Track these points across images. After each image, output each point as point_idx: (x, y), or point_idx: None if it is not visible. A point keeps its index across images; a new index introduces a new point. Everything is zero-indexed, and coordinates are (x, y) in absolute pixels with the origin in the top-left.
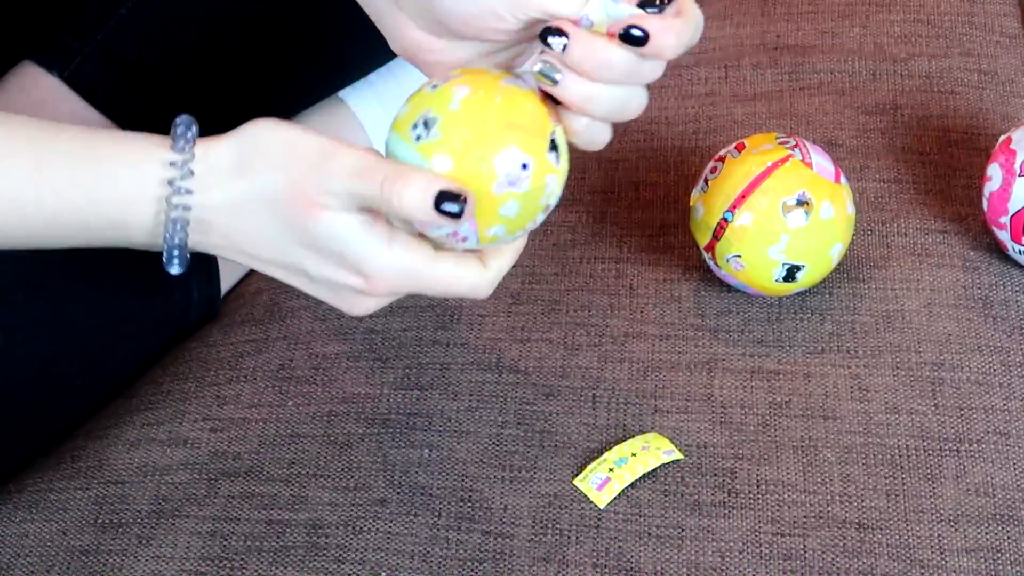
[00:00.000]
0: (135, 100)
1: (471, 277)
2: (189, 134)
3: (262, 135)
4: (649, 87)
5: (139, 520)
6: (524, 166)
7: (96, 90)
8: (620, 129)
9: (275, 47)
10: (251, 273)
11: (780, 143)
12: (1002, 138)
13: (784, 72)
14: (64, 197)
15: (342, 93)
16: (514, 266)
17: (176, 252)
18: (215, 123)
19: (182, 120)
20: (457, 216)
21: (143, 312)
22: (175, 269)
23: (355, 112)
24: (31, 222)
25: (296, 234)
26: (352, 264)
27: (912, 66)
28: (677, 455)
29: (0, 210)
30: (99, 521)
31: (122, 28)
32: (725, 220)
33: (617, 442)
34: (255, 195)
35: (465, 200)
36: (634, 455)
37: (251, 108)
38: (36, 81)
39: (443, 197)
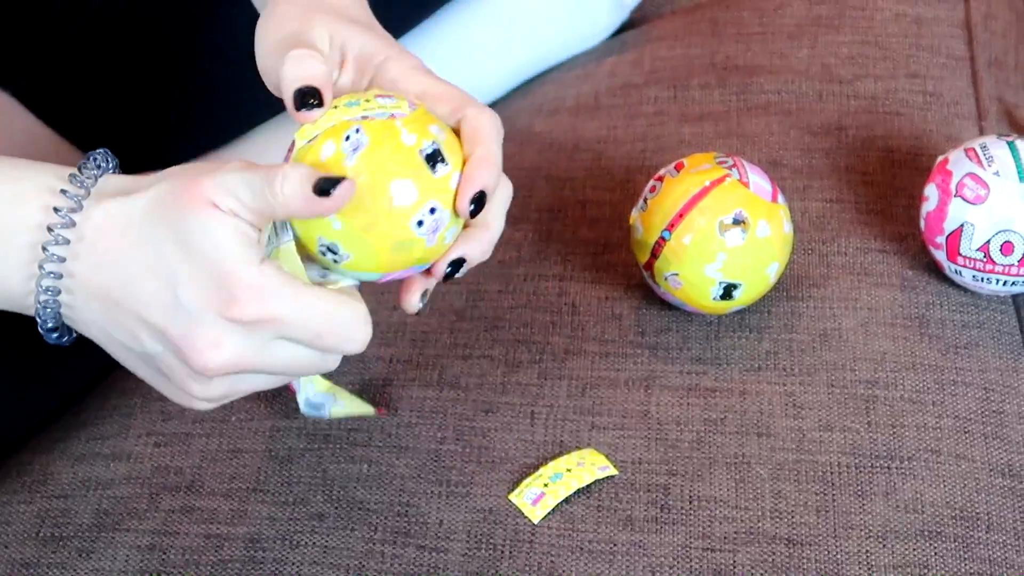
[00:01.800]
0: (86, 118)
1: (347, 308)
2: (95, 171)
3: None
4: (598, 107)
5: (80, 534)
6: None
7: (47, 108)
8: (569, 147)
9: (229, 63)
10: None
11: (718, 163)
12: (939, 159)
13: (732, 92)
14: None
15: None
16: (459, 283)
17: (47, 312)
18: (166, 142)
19: (95, 154)
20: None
21: None
22: (52, 340)
23: None
24: None
25: (173, 238)
26: (222, 273)
27: (858, 87)
28: (612, 471)
29: None
30: (40, 535)
31: (74, 47)
32: (663, 238)
33: (553, 458)
34: (139, 208)
35: (342, 180)
36: (569, 471)
37: (204, 123)
38: None
39: (324, 182)
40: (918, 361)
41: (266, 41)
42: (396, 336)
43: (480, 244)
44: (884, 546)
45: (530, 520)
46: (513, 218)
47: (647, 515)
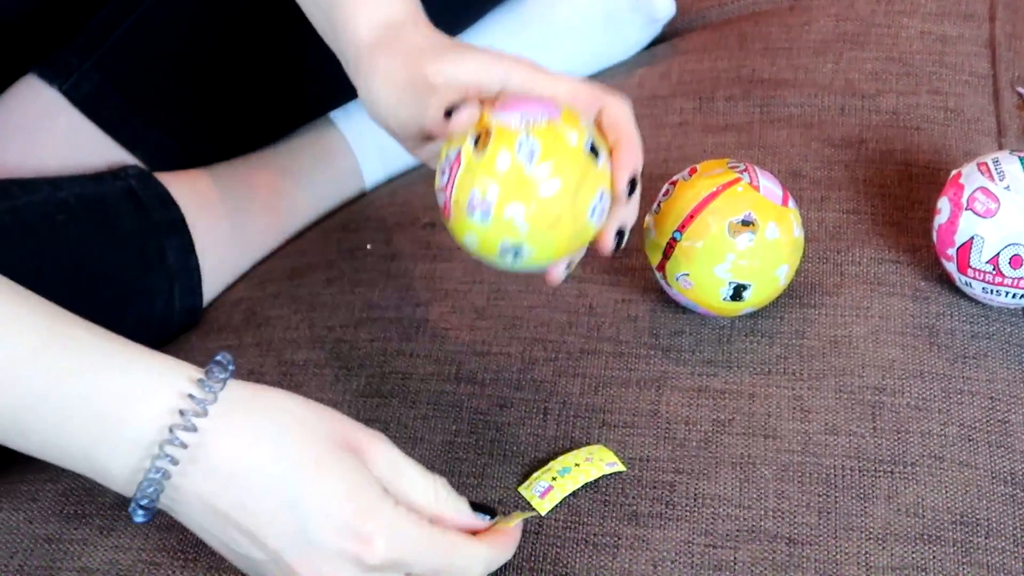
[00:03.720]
0: (130, 114)
1: (466, 548)
2: (222, 374)
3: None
4: None
5: (102, 512)
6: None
7: (92, 104)
8: None
9: (265, 68)
10: (234, 284)
11: (730, 167)
12: (953, 172)
13: (756, 105)
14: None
15: (332, 115)
16: (481, 282)
17: (143, 501)
18: (204, 139)
19: (221, 357)
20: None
21: (124, 321)
22: (139, 518)
23: (344, 134)
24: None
25: (312, 473)
26: (357, 513)
27: (880, 102)
28: (620, 467)
29: None
30: (64, 512)
31: (120, 46)
32: (674, 240)
33: (563, 452)
34: (269, 429)
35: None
36: (577, 465)
37: (242, 126)
38: (37, 94)
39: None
40: (926, 369)
41: (383, 96)
42: (418, 332)
43: (632, 211)
44: (883, 548)
45: (538, 512)
46: None
47: (652, 511)
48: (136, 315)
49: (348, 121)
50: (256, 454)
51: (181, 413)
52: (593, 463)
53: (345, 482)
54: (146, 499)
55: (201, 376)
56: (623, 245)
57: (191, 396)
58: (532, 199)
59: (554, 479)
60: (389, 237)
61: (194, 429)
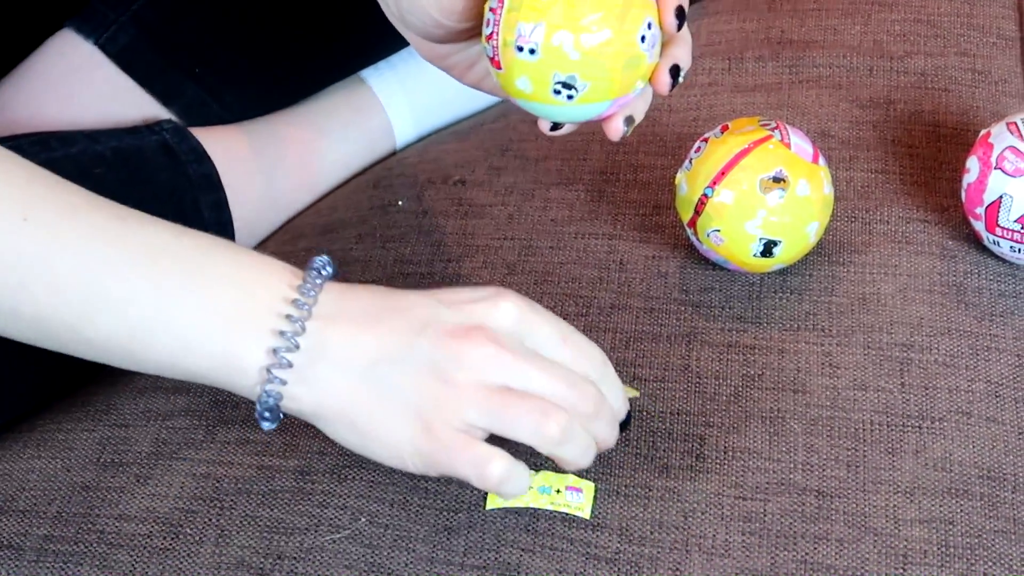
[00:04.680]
0: (165, 68)
1: None
2: (319, 280)
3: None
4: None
5: (139, 461)
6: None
7: (128, 57)
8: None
9: (299, 25)
10: (266, 240)
11: (762, 125)
12: (982, 132)
13: (785, 65)
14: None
15: (363, 74)
16: (512, 239)
17: (268, 413)
18: (238, 95)
19: (320, 262)
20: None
21: None
22: (266, 425)
23: (376, 93)
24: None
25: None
26: None
27: (908, 63)
28: (584, 514)
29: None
30: (101, 460)
31: (155, 0)
32: (706, 196)
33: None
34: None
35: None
36: (559, 492)
37: (275, 82)
38: (74, 47)
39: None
40: (954, 327)
41: None
42: (450, 286)
43: (685, 50)
44: (911, 501)
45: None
46: (567, 179)
47: (683, 463)
48: None
49: (380, 80)
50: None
51: (281, 334)
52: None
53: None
54: (267, 412)
55: (296, 296)
56: (680, 82)
57: (288, 317)
58: (578, 26)
59: (530, 488)
60: (420, 194)
61: (297, 348)
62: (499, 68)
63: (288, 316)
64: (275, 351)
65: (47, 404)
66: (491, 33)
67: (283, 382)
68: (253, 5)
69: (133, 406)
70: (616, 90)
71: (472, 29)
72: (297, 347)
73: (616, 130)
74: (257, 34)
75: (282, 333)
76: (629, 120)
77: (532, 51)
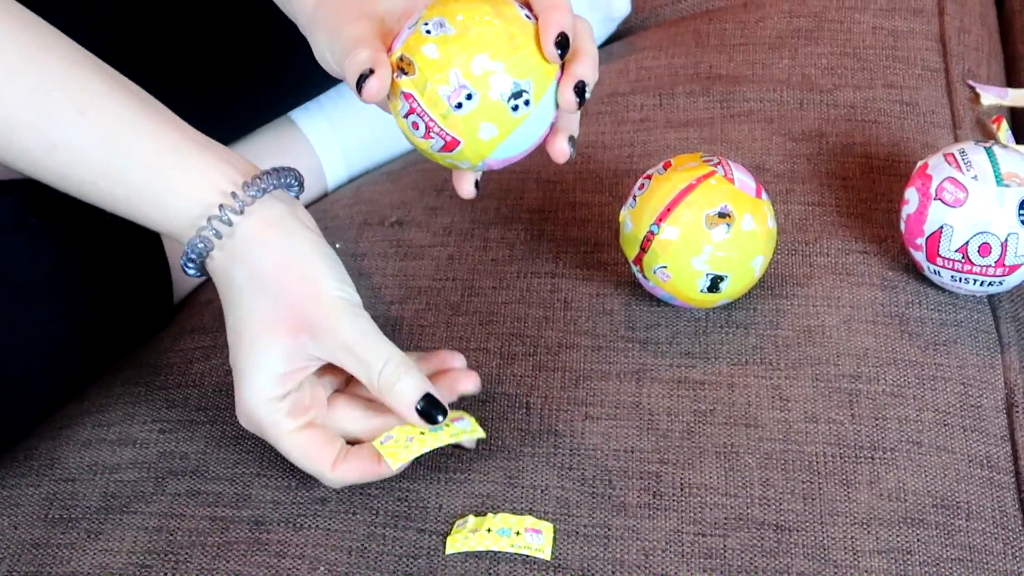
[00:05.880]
0: None
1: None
2: (255, 191)
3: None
4: (586, 113)
5: (88, 516)
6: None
7: None
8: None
9: (226, 66)
10: (203, 284)
11: (704, 161)
12: (919, 163)
13: (716, 100)
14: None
15: (292, 114)
16: (454, 279)
17: (190, 263)
18: None
19: (285, 171)
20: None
21: (96, 323)
22: (190, 272)
23: (306, 134)
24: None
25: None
26: (239, 384)
27: (838, 96)
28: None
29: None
30: (49, 516)
31: (81, 42)
32: (652, 233)
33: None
34: (250, 287)
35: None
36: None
37: (202, 125)
38: None
39: (425, 401)
40: (899, 357)
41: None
42: (394, 330)
43: (589, 66)
44: (868, 532)
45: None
46: (505, 218)
47: (640, 501)
48: (110, 317)
49: (310, 120)
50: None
51: (220, 207)
52: (523, 542)
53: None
54: (194, 256)
55: (236, 189)
56: (587, 98)
57: (221, 206)
58: (480, 42)
59: (422, 433)
60: (357, 236)
61: (218, 233)
62: (458, 143)
63: (233, 194)
64: (220, 206)
65: None
66: (426, 122)
67: (218, 234)
68: (179, 47)
69: (78, 459)
70: (545, 76)
71: None
72: (241, 210)
73: (561, 151)
74: (184, 76)
75: (233, 195)
76: (571, 140)
77: (469, 93)
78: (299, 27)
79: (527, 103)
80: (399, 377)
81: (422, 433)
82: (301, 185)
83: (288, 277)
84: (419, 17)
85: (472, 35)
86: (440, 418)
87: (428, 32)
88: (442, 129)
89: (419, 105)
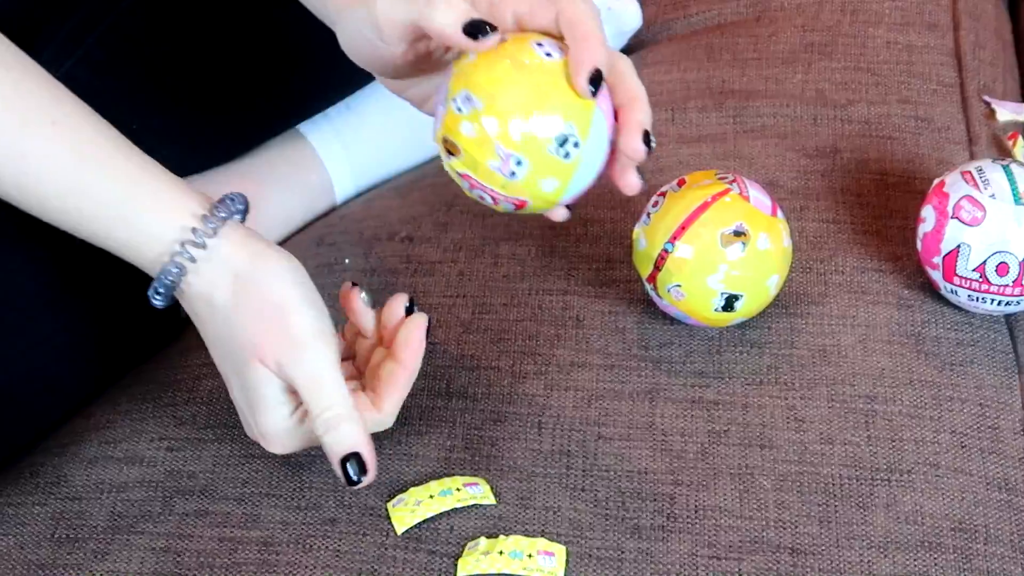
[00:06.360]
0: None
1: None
2: (223, 214)
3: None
4: None
5: (95, 535)
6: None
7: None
8: None
9: (235, 79)
10: None
11: (719, 178)
12: (936, 181)
13: (728, 115)
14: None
15: (301, 127)
16: (464, 296)
17: (162, 290)
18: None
19: (236, 197)
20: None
21: (103, 338)
22: (157, 303)
23: (313, 146)
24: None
25: (235, 364)
26: (255, 417)
27: (852, 112)
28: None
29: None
30: (56, 536)
31: (88, 58)
32: (666, 251)
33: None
34: (226, 312)
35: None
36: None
37: (212, 138)
38: None
39: (348, 458)
40: (915, 377)
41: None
42: None
43: (645, 111)
44: (885, 556)
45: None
46: (515, 234)
47: (654, 523)
48: (117, 332)
49: (318, 134)
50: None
51: (193, 230)
52: (535, 565)
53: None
54: (168, 282)
55: (205, 212)
56: (652, 145)
57: (194, 230)
58: (511, 106)
59: (431, 496)
60: (367, 251)
61: (192, 258)
62: (524, 203)
63: (204, 217)
64: (193, 230)
65: None
66: (471, 186)
67: (192, 259)
68: (188, 60)
69: (85, 478)
70: (583, 110)
71: (412, 53)
72: (214, 233)
73: (631, 185)
74: (193, 89)
75: (204, 218)
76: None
77: (518, 162)
78: (323, 17)
79: (576, 144)
80: (335, 427)
81: (431, 496)
82: (247, 211)
83: (260, 302)
84: (447, 91)
85: (501, 103)
86: (360, 479)
87: (459, 110)
88: (506, 196)
89: (477, 181)
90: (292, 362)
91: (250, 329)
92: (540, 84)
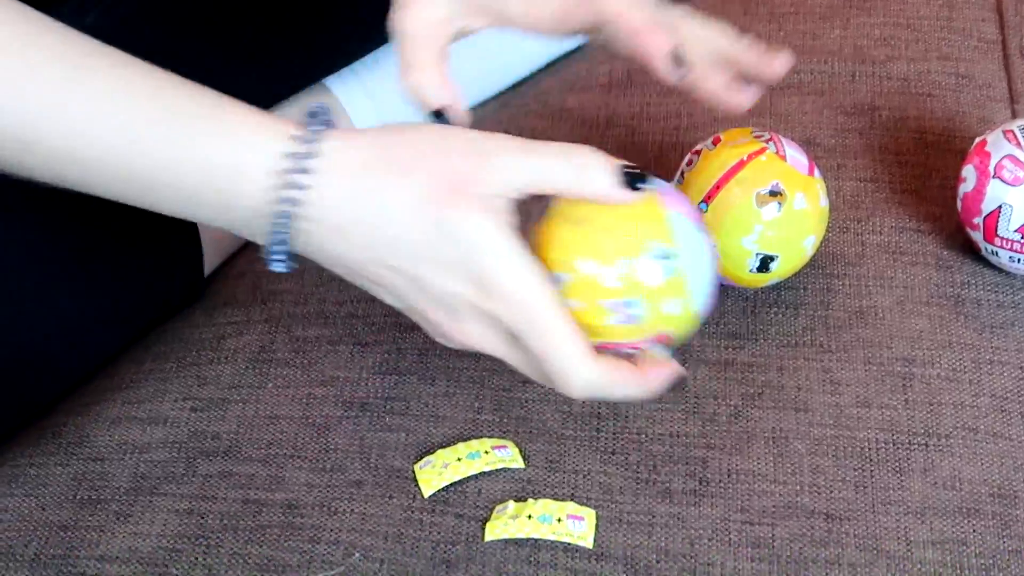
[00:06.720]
0: None
1: (572, 349)
2: (318, 124)
3: (409, 132)
4: (631, 83)
5: (117, 497)
6: None
7: None
8: (602, 123)
9: (261, 33)
10: (234, 255)
11: (755, 136)
12: (977, 140)
13: None
14: (177, 147)
15: (328, 81)
16: None
17: (276, 250)
18: None
19: (318, 107)
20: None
21: (126, 297)
22: (278, 268)
23: (340, 100)
24: (136, 165)
25: (424, 234)
26: (475, 271)
27: (891, 68)
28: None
29: (110, 150)
30: (78, 497)
31: (109, 9)
32: (700, 210)
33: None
34: (385, 193)
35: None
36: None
37: (238, 93)
38: None
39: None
40: (954, 340)
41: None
42: None
43: (653, 41)
44: (923, 522)
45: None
46: None
47: (686, 488)
48: (139, 291)
49: (344, 89)
50: (359, 207)
51: (286, 172)
52: (565, 529)
53: (472, 251)
54: (277, 252)
55: (298, 132)
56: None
57: (292, 154)
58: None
59: (459, 459)
60: None
61: (300, 187)
62: (665, 337)
63: (295, 137)
64: (290, 155)
65: (8, 437)
66: (603, 346)
67: (300, 187)
68: (213, 15)
69: (107, 438)
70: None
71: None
72: (313, 154)
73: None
74: (217, 44)
75: (297, 137)
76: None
77: (630, 304)
78: None
79: (672, 257)
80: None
81: (459, 459)
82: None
83: (416, 151)
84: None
85: (582, 276)
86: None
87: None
88: (649, 339)
89: (611, 342)
90: (520, 160)
91: (432, 169)
92: (608, 226)
